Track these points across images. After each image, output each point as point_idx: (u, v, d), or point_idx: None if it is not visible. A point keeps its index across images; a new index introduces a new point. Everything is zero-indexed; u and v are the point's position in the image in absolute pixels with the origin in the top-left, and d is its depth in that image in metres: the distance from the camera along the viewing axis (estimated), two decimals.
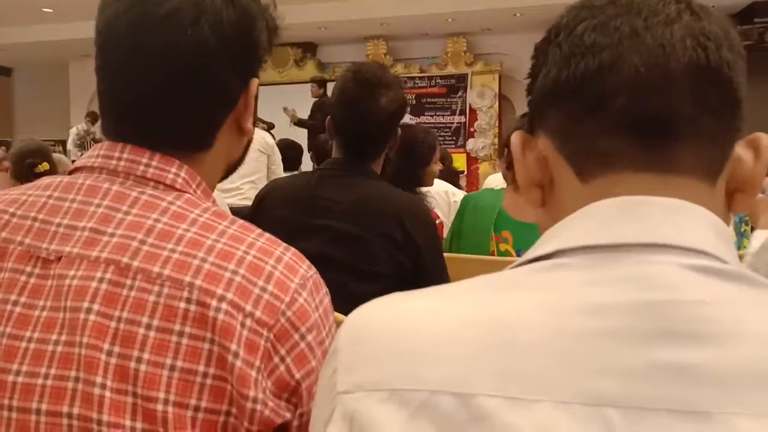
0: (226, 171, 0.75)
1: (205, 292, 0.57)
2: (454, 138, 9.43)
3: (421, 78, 9.51)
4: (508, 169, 2.08)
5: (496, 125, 9.32)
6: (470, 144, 9.34)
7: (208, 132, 0.68)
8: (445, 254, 2.01)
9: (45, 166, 2.57)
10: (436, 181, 3.03)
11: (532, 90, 0.53)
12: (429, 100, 9.47)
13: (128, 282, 0.57)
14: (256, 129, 0.81)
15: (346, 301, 1.35)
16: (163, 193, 0.63)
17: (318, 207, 1.39)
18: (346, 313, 1.25)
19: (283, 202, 1.43)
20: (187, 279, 0.57)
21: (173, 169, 0.65)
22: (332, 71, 9.81)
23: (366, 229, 1.36)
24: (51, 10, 8.83)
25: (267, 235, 0.65)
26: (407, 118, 8.87)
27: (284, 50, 9.78)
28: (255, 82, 0.70)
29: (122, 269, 0.57)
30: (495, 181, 3.40)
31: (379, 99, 1.39)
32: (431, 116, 9.48)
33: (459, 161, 9.21)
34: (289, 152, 4.34)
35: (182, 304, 0.56)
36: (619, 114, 0.46)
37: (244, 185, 3.87)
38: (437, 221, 2.12)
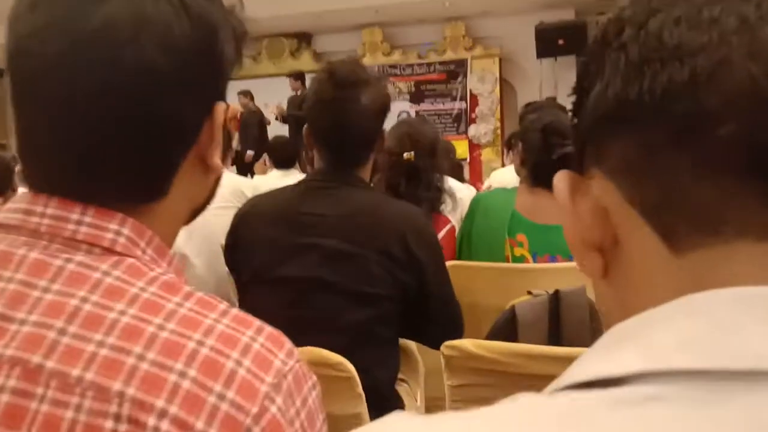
0: (190, 216, 0.60)
1: (139, 406, 0.41)
2: (456, 125, 9.25)
3: (419, 65, 9.30)
4: (522, 165, 1.92)
5: (498, 110, 9.13)
6: (472, 130, 9.15)
7: (161, 177, 0.52)
8: (455, 261, 1.86)
9: None
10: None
11: (580, 112, 0.38)
12: (428, 86, 9.27)
13: (39, 391, 0.42)
14: (227, 173, 0.65)
15: (341, 329, 1.17)
16: (97, 260, 0.47)
17: (304, 224, 1.24)
18: (341, 344, 1.10)
19: (265, 221, 1.28)
20: (117, 386, 0.42)
21: (113, 226, 0.49)
22: (328, 62, 9.59)
23: (360, 245, 1.21)
24: None
25: (234, 312, 0.49)
26: (407, 106, 8.71)
27: (279, 41, 9.58)
28: (221, 107, 0.55)
29: (31, 372, 0.42)
30: (503, 177, 3.23)
31: (360, 98, 1.26)
32: (431, 103, 9.28)
33: (461, 148, 9.02)
34: (284, 151, 4.11)
35: (108, 423, 0.41)
36: (729, 147, 0.30)
37: None
38: (448, 226, 1.95)
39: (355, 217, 1.24)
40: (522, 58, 9.16)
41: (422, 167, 1.86)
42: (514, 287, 1.73)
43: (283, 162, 3.98)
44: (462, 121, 9.22)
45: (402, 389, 1.38)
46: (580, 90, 0.38)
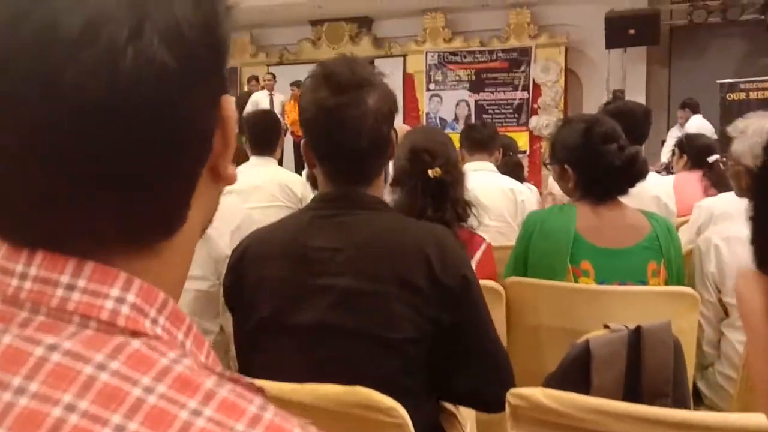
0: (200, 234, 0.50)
1: None
2: (516, 115, 8.99)
3: (481, 52, 9.06)
4: (562, 178, 1.74)
5: (562, 101, 8.81)
6: (533, 122, 8.87)
7: (181, 203, 0.42)
8: (515, 278, 1.71)
9: None
10: (498, 176, 2.71)
11: None
12: (489, 75, 9.02)
13: None
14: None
15: (360, 380, 0.94)
16: (90, 346, 0.37)
17: (314, 261, 1.07)
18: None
19: (271, 258, 1.11)
20: None
21: (114, 291, 0.39)
22: (388, 47, 9.46)
23: (378, 280, 1.04)
24: None
25: (268, 416, 0.38)
26: (466, 95, 8.50)
27: (339, 26, 9.49)
28: (229, 101, 0.44)
29: None
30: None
31: (366, 100, 1.07)
32: (491, 92, 9.04)
33: (521, 140, 8.76)
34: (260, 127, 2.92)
35: None
36: None
37: None
38: (483, 246, 1.71)
39: (370, 246, 1.07)
40: (589, 48, 8.80)
41: (450, 182, 1.62)
42: (581, 311, 1.58)
43: (257, 142, 3.56)
44: (523, 111, 8.95)
45: None
46: None
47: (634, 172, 1.65)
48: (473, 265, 1.63)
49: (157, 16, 0.37)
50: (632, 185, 1.67)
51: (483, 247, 1.71)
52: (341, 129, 1.07)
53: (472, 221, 1.68)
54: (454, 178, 1.64)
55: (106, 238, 0.40)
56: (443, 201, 1.61)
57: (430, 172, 1.57)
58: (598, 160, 1.63)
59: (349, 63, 1.11)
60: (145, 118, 0.37)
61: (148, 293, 0.40)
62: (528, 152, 8.78)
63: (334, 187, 1.13)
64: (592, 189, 1.68)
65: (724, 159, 2.20)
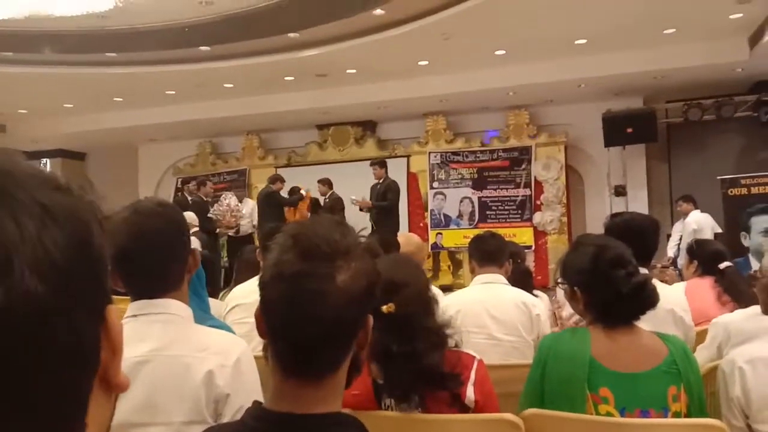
0: None
1: None
2: (520, 211, 9.08)
3: (482, 151, 9.28)
4: (572, 299, 1.74)
5: (564, 197, 8.92)
6: (537, 218, 8.95)
7: (69, 420, 0.43)
8: (533, 410, 1.64)
9: None
10: (510, 290, 2.67)
11: None
12: (491, 173, 9.20)
13: None
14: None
15: None
16: None
17: None
18: None
19: None
20: None
21: None
22: (392, 148, 9.72)
23: None
24: (121, 99, 9.18)
25: None
26: (469, 193, 8.48)
27: (344, 129, 9.80)
28: (111, 311, 0.44)
29: None
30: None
31: (334, 275, 0.88)
32: (494, 189, 9.18)
33: (525, 236, 8.83)
34: None
35: None
36: None
37: None
38: (475, 363, 1.61)
39: None
40: (588, 145, 9.02)
41: (411, 314, 1.47)
42: None
43: None
44: (526, 208, 9.05)
45: None
46: None
47: (643, 300, 1.64)
48: (471, 387, 1.56)
49: (24, 248, 0.37)
50: (642, 312, 1.66)
51: (475, 365, 1.61)
52: (296, 304, 0.88)
53: (452, 340, 1.58)
54: (422, 308, 1.54)
55: None
56: (410, 333, 1.47)
57: (383, 308, 1.40)
58: (606, 285, 1.63)
59: (328, 225, 0.94)
60: (21, 347, 0.37)
61: None
62: (534, 247, 8.81)
63: (281, 376, 0.91)
64: (603, 313, 1.67)
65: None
